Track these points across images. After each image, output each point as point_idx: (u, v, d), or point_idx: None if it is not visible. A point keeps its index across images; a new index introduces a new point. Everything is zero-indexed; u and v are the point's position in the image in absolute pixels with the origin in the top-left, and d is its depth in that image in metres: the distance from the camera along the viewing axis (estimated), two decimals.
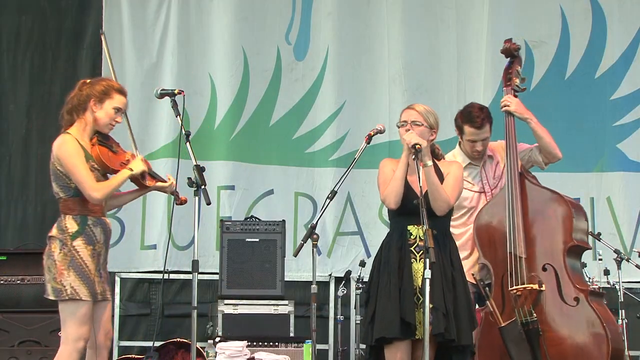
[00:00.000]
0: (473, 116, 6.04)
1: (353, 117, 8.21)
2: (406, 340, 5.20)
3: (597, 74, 8.23)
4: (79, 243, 5.08)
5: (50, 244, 5.14)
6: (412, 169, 5.30)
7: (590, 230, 7.35)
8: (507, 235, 5.79)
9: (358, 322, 7.29)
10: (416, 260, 5.29)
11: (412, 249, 5.30)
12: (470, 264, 5.98)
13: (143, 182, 5.26)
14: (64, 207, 5.15)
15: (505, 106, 6.04)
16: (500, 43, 8.23)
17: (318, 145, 8.24)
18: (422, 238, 5.15)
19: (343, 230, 8.18)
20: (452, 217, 5.74)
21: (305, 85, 8.27)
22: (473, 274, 5.84)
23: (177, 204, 5.36)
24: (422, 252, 5.19)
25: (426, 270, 4.93)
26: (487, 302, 5.74)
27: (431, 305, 5.12)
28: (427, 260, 4.92)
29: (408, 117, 5.40)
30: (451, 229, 5.85)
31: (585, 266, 7.19)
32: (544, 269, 5.77)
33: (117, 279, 8.01)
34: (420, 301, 5.17)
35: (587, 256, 7.65)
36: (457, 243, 5.65)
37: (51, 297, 5.09)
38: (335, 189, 5.59)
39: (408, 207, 5.25)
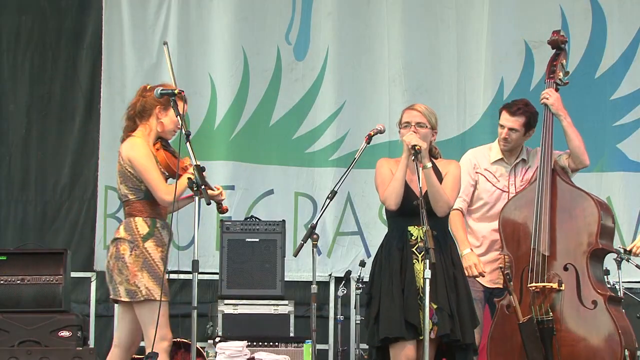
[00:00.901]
0: (513, 103, 6.06)
1: (353, 117, 8.21)
2: (411, 340, 5.19)
3: (597, 74, 8.23)
4: (150, 245, 5.15)
5: (117, 246, 5.17)
6: (411, 169, 5.31)
7: None
8: (533, 231, 5.76)
9: (358, 322, 7.29)
10: (418, 261, 5.29)
11: (413, 249, 5.30)
12: (484, 262, 5.98)
13: (199, 189, 5.26)
14: (133, 209, 5.21)
15: (544, 99, 5.97)
16: (500, 43, 8.32)
17: (318, 145, 8.24)
18: (423, 239, 5.15)
19: (343, 230, 8.18)
20: (470, 208, 5.83)
21: (305, 85, 8.27)
22: (501, 267, 5.83)
23: (219, 212, 5.42)
24: (423, 252, 5.18)
25: (426, 271, 4.94)
26: (510, 296, 5.72)
27: (435, 306, 5.16)
28: (427, 260, 4.93)
29: (412, 119, 5.40)
30: (470, 222, 5.86)
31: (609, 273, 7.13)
32: (565, 269, 5.74)
33: None
34: (424, 302, 5.15)
35: None
36: (471, 238, 5.80)
37: (124, 299, 5.15)
38: (335, 189, 5.59)
39: (408, 208, 5.26)
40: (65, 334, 6.68)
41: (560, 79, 6.03)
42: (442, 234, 5.35)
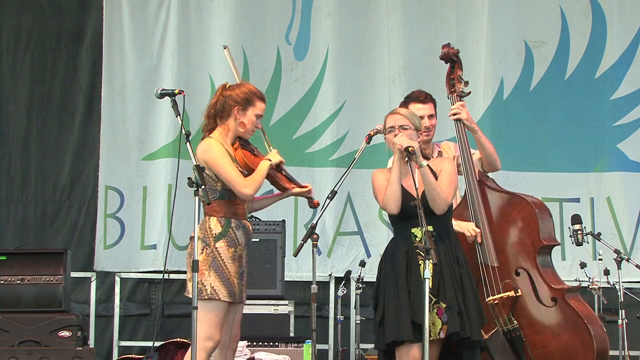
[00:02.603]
0: (415, 94, 5.96)
1: (353, 117, 8.22)
2: (418, 343, 5.15)
3: (597, 74, 8.23)
4: (221, 245, 5.16)
5: (191, 244, 5.17)
6: (404, 173, 5.31)
7: (590, 230, 7.35)
8: (476, 246, 5.73)
9: (358, 322, 7.29)
10: (423, 262, 5.28)
11: (418, 251, 5.28)
12: None
13: (281, 174, 5.31)
14: (209, 209, 5.22)
15: (456, 114, 5.88)
16: (500, 43, 8.30)
17: (318, 145, 8.25)
18: (423, 239, 5.16)
19: (343, 230, 8.18)
20: None
21: (305, 85, 8.28)
22: None
23: (310, 207, 5.50)
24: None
25: (426, 271, 4.93)
26: None
27: (445, 305, 5.17)
28: (427, 261, 4.92)
29: (395, 122, 5.38)
30: None
31: (585, 266, 7.19)
32: (517, 274, 5.72)
33: (117, 279, 8.02)
34: (431, 302, 5.17)
35: (586, 256, 7.70)
36: None
37: (189, 296, 5.12)
38: (335, 189, 5.58)
39: (408, 211, 5.25)
40: (65, 334, 6.68)
41: (462, 91, 5.97)
42: (446, 232, 5.35)
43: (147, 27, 8.25)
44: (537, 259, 5.73)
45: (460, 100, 5.92)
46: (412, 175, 5.20)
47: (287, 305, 7.20)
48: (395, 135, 5.31)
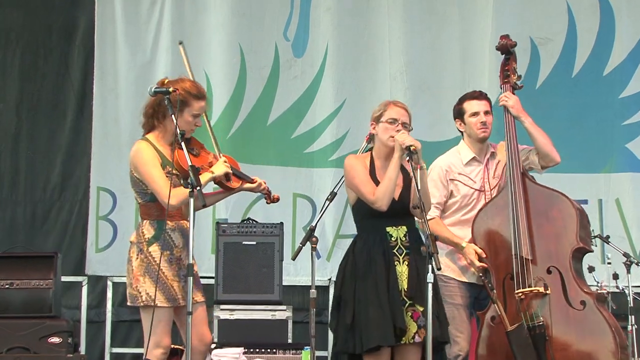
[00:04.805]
0: (470, 93, 6.13)
1: (353, 115, 8.18)
2: (389, 347, 5.24)
3: (606, 72, 8.19)
4: (154, 249, 5.15)
5: (130, 250, 5.23)
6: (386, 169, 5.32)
7: (598, 232, 7.31)
8: (512, 237, 5.74)
9: None
10: (399, 262, 5.32)
11: (394, 251, 5.31)
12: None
13: (227, 184, 5.30)
14: (142, 213, 5.25)
15: (503, 101, 6.00)
16: None
17: (317, 145, 8.22)
18: (403, 239, 5.29)
19: (343, 232, 8.13)
20: (445, 214, 5.90)
21: (304, 82, 8.24)
22: (481, 276, 5.78)
23: (267, 203, 5.52)
24: (405, 254, 5.29)
25: (429, 275, 4.92)
26: (495, 305, 5.69)
27: (422, 309, 5.20)
28: (430, 265, 4.90)
29: (399, 116, 5.39)
30: (451, 229, 5.84)
31: (594, 270, 7.14)
32: (549, 272, 5.72)
33: (109, 284, 7.99)
34: (406, 305, 5.23)
35: (595, 260, 7.64)
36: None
37: (128, 304, 5.21)
38: (335, 190, 5.60)
39: (388, 208, 5.28)
40: (55, 340, 6.66)
41: (515, 83, 6.06)
42: (419, 236, 5.38)
43: (141, 23, 8.22)
44: (572, 260, 5.73)
45: (513, 92, 6.01)
46: (415, 175, 5.16)
47: (285, 310, 7.17)
48: (397, 131, 5.31)
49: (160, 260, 5.11)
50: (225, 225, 7.37)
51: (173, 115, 5.09)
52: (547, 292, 5.67)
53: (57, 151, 8.30)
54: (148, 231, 5.18)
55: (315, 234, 5.57)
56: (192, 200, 4.89)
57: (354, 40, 8.26)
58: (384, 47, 8.23)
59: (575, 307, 5.65)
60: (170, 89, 5.13)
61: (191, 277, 4.90)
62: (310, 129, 8.23)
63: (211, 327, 7.09)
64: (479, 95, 6.04)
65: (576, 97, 8.21)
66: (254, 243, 7.20)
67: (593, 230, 6.84)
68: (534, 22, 8.25)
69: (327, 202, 5.59)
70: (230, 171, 5.28)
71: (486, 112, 6.00)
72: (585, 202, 7.99)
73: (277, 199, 5.51)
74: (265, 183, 5.46)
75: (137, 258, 5.15)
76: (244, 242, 7.25)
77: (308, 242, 5.56)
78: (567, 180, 7.95)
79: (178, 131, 5.05)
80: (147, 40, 8.20)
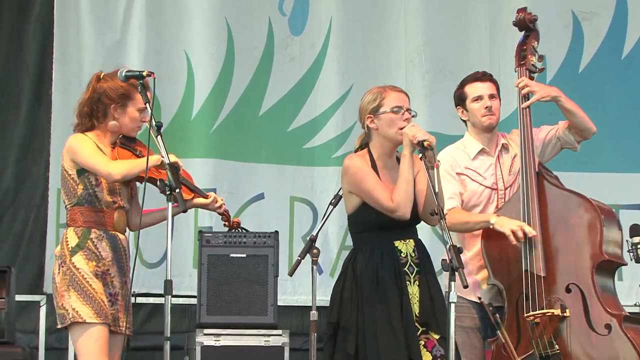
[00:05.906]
0: (472, 74, 6.11)
1: None
2: None
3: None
4: (78, 259, 5.16)
5: (54, 264, 5.24)
6: (390, 168, 5.35)
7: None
8: (522, 250, 5.72)
9: None
10: (410, 283, 5.31)
11: (405, 269, 5.30)
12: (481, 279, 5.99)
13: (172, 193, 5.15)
14: (68, 219, 5.27)
15: (526, 88, 5.94)
16: (543, 15, 8.15)
17: (318, 140, 8.27)
18: (412, 255, 5.29)
19: (349, 243, 8.10)
20: None
21: (303, 65, 8.29)
22: (480, 297, 5.82)
23: (225, 226, 5.52)
24: (416, 272, 5.27)
25: (452, 294, 4.89)
26: (498, 332, 5.68)
27: (437, 336, 5.23)
28: (452, 283, 4.88)
29: (403, 103, 5.38)
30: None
31: None
32: (568, 290, 5.70)
33: None
34: (419, 332, 5.22)
35: None
36: (468, 255, 5.83)
37: (58, 326, 5.20)
38: (340, 193, 5.58)
39: (393, 219, 5.26)
40: None
41: (533, 65, 6.03)
42: (427, 251, 5.39)
43: None
44: (595, 276, 5.69)
45: (530, 77, 5.98)
46: (429, 174, 5.11)
47: (281, 335, 7.17)
48: (406, 120, 5.31)
49: (87, 271, 5.12)
50: (210, 235, 7.37)
51: (148, 105, 5.10)
52: (565, 314, 5.65)
53: (9, 147, 8.30)
54: (72, 239, 5.19)
55: (316, 245, 5.59)
56: (169, 204, 4.89)
57: (362, 15, 8.30)
58: (398, 23, 8.28)
59: (599, 332, 5.62)
60: (144, 73, 5.13)
61: (169, 295, 4.87)
62: (310, 121, 8.27)
63: (193, 356, 7.13)
64: (482, 77, 6.03)
65: (626, 83, 8.25)
66: (244, 256, 7.20)
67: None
68: None
69: (331, 207, 5.61)
70: (181, 163, 5.22)
71: (491, 96, 5.98)
72: (638, 207, 8.03)
73: (238, 224, 5.52)
74: (222, 200, 5.44)
75: (59, 272, 5.16)
76: (231, 255, 7.25)
77: (308, 255, 5.56)
78: (616, 180, 8.00)
79: (153, 122, 5.04)
80: (116, 16, 8.21)
